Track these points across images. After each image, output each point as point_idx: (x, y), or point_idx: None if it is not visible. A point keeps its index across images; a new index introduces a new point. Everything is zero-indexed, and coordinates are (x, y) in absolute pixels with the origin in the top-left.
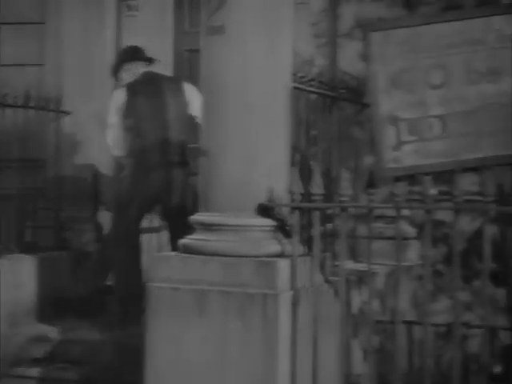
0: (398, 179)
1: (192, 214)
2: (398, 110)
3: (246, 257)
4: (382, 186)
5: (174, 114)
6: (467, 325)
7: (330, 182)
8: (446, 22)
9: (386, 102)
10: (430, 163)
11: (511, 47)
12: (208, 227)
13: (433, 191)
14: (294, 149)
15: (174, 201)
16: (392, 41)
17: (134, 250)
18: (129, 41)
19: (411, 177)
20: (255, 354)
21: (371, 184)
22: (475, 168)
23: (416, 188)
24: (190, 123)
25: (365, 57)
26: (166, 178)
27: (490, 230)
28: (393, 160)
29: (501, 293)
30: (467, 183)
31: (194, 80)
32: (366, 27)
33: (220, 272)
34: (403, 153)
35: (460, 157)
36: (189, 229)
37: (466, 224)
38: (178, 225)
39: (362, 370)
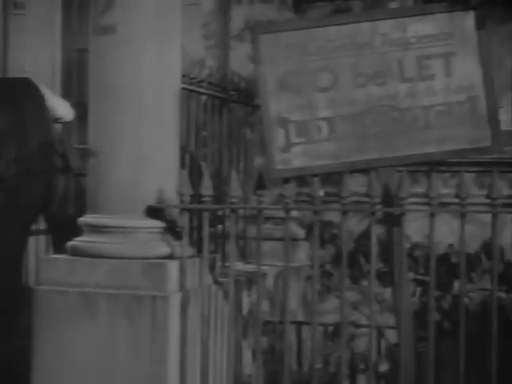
0: (287, 181)
1: (79, 216)
2: (286, 112)
3: (135, 259)
4: (272, 187)
5: (33, 120)
6: (355, 324)
7: (220, 183)
8: (334, 25)
9: (275, 104)
10: (319, 165)
11: (397, 51)
12: (97, 229)
13: (320, 192)
14: (184, 150)
15: (55, 206)
16: (281, 43)
17: (11, 262)
18: (16, 40)
19: (301, 178)
20: (145, 356)
21: (261, 185)
22: (363, 170)
23: (305, 189)
24: (52, 125)
25: (254, 59)
26: (46, 184)
27: (377, 231)
28: (282, 161)
29: (388, 292)
30: (355, 185)
31: (84, 80)
32: (255, 29)
33: (109, 274)
34: (292, 154)
35: (348, 158)
36: (72, 232)
37: (354, 225)
38: (60, 229)
39: (252, 371)
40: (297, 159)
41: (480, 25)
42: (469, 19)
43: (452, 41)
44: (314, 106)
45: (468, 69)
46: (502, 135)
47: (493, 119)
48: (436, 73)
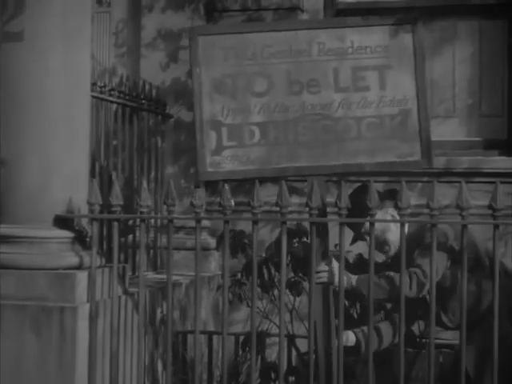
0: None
1: None
2: (220, 114)
3: (43, 269)
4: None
5: None
6: (266, 333)
7: (131, 192)
8: (272, 31)
9: (209, 107)
10: (249, 169)
11: (333, 61)
12: (4, 239)
13: (231, 202)
14: (94, 159)
15: None
16: (218, 46)
17: None
18: None
19: (213, 186)
20: (52, 368)
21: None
22: (275, 178)
23: (216, 199)
24: None
25: (190, 60)
26: None
27: (288, 241)
28: (213, 164)
29: (298, 301)
30: (266, 194)
31: None
32: (193, 30)
33: (15, 285)
34: (223, 157)
35: (278, 165)
36: None
37: (266, 234)
38: None
39: (162, 381)
40: (227, 163)
41: (416, 39)
42: (406, 33)
43: (388, 54)
44: (247, 110)
45: (402, 82)
46: (431, 149)
47: (424, 133)
48: (370, 84)
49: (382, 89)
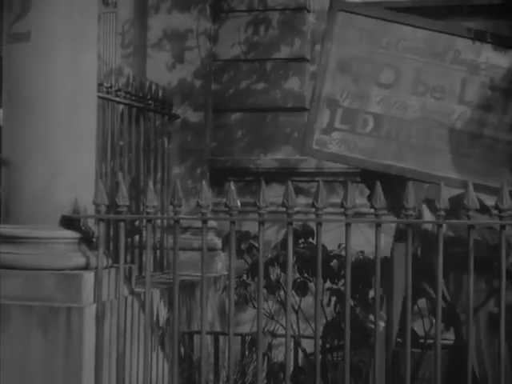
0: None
1: None
2: (339, 95)
3: (49, 270)
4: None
5: None
6: (272, 334)
7: (138, 193)
8: (411, 25)
9: (330, 84)
10: (353, 157)
11: (464, 72)
12: (9, 240)
13: (237, 202)
14: (101, 160)
15: None
16: (355, 26)
17: None
18: None
19: (220, 185)
20: (59, 368)
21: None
22: (375, 173)
23: (223, 199)
24: None
25: (324, 33)
26: None
27: (294, 241)
28: (319, 142)
29: (307, 302)
30: (272, 195)
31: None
32: (334, 4)
33: (22, 286)
34: (331, 139)
35: (383, 160)
36: None
37: (272, 235)
38: None
39: (168, 381)
40: (334, 145)
41: None
42: None
43: None
44: (367, 98)
45: None
46: None
47: None
48: (494, 105)
49: (503, 113)
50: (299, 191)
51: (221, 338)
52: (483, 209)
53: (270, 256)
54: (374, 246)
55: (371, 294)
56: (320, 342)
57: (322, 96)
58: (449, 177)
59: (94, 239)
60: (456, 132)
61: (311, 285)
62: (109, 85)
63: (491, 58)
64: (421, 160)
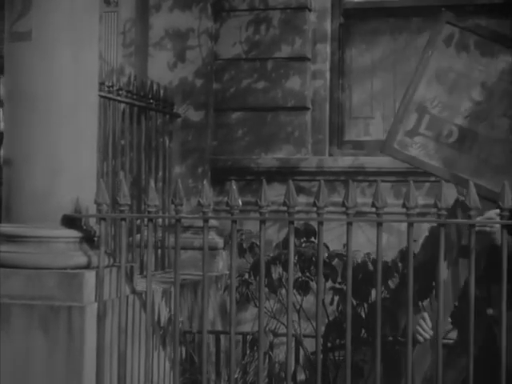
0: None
1: None
2: (429, 102)
3: (51, 269)
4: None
5: None
6: (273, 333)
7: (139, 192)
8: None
9: (424, 90)
10: (431, 164)
11: None
12: (11, 239)
13: (239, 201)
14: (102, 159)
15: None
16: (457, 39)
17: None
18: None
19: (222, 184)
20: (60, 367)
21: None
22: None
23: (224, 198)
24: None
25: (429, 40)
26: None
27: (295, 241)
28: (400, 143)
29: (308, 301)
30: (273, 194)
31: None
32: (442, 15)
33: (23, 285)
34: (413, 142)
35: (459, 173)
36: None
37: (273, 234)
38: None
39: (170, 381)
40: (414, 149)
41: None
42: None
43: None
44: (456, 109)
45: None
46: None
47: None
48: None
49: None
50: (300, 190)
51: (222, 337)
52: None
53: (271, 255)
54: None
55: (373, 293)
56: (322, 341)
57: (413, 99)
58: None
59: (96, 238)
60: None
61: (313, 284)
62: (110, 84)
63: None
64: (495, 180)
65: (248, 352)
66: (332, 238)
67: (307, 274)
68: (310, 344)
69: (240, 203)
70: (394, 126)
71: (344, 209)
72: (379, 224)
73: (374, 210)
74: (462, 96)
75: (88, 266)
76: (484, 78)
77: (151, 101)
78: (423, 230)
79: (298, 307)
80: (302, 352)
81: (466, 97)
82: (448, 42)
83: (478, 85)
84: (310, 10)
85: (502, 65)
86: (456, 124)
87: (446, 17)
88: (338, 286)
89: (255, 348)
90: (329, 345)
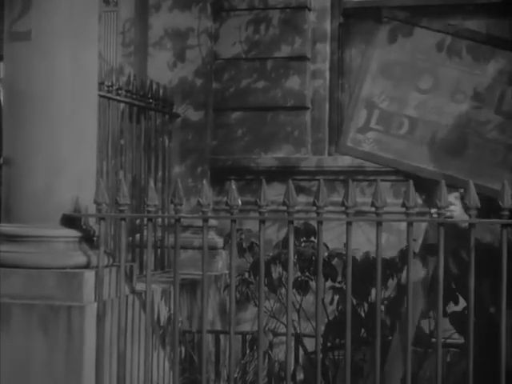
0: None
1: None
2: (377, 97)
3: (50, 269)
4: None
5: None
6: (273, 332)
7: (139, 191)
8: (452, 35)
9: (370, 86)
10: (386, 157)
11: (504, 83)
12: (10, 238)
13: (238, 201)
14: (102, 158)
15: None
16: (397, 32)
17: None
18: None
19: (221, 184)
20: (60, 367)
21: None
22: (406, 174)
23: (223, 197)
24: None
25: (366, 39)
26: None
27: (295, 240)
28: (353, 141)
29: (308, 300)
30: (273, 193)
31: None
32: (382, 13)
33: (23, 284)
34: (365, 138)
35: (414, 163)
36: None
37: (273, 233)
38: None
39: (169, 380)
40: (368, 144)
41: None
42: None
43: None
44: (404, 101)
45: None
46: None
47: None
48: None
49: None
50: (300, 190)
51: (222, 336)
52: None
53: (271, 254)
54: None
55: (373, 293)
56: (321, 340)
57: (360, 97)
58: (480, 184)
59: (95, 238)
60: (490, 142)
61: (313, 283)
62: (110, 83)
63: None
64: (450, 165)
65: (248, 351)
66: (332, 237)
67: (307, 273)
68: (309, 343)
69: (239, 203)
70: (346, 124)
71: (344, 208)
72: (379, 223)
73: (373, 209)
74: (409, 87)
75: (87, 266)
76: (429, 66)
77: (151, 100)
78: (423, 229)
79: (297, 307)
80: (301, 351)
81: (413, 87)
82: (388, 35)
83: (423, 74)
84: (309, 10)
85: (445, 51)
86: (405, 115)
87: (385, 13)
88: (337, 285)
89: (255, 347)
90: (328, 344)
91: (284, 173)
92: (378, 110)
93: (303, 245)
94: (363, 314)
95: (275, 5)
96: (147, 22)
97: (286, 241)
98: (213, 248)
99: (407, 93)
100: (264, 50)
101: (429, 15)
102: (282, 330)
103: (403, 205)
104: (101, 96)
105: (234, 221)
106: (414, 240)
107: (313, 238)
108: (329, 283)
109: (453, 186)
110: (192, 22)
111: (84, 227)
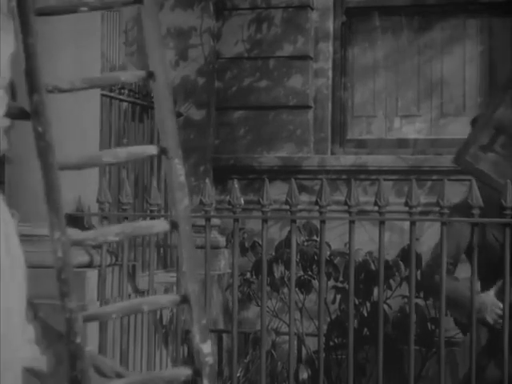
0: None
1: None
2: (510, 121)
3: (53, 268)
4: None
5: None
6: (275, 332)
7: (141, 190)
8: None
9: (503, 110)
10: (497, 180)
11: None
12: None
13: (241, 200)
14: None
15: None
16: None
17: None
18: None
19: (224, 183)
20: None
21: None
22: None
23: (226, 197)
24: None
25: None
26: None
27: (297, 239)
28: (473, 156)
29: (310, 299)
30: (276, 193)
31: None
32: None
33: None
34: (485, 157)
35: None
36: None
37: (275, 232)
38: None
39: None
40: (485, 163)
41: None
42: None
43: None
44: None
45: None
46: None
47: None
48: None
49: None
50: (302, 189)
51: (224, 335)
52: None
53: (273, 254)
54: (378, 244)
55: (375, 292)
56: (324, 339)
57: (493, 116)
58: None
59: None
60: None
61: (315, 282)
62: None
63: None
64: None
65: (250, 351)
66: (334, 236)
67: (309, 272)
68: (312, 343)
69: (242, 202)
70: (470, 138)
71: (346, 207)
72: (381, 222)
73: (376, 208)
74: None
75: (90, 265)
76: None
77: (153, 100)
78: (425, 228)
79: (300, 306)
80: (304, 351)
81: None
82: None
83: None
84: (312, 9)
85: None
86: None
87: None
88: (340, 284)
89: (257, 347)
90: (331, 343)
91: (286, 172)
92: (507, 134)
93: (305, 244)
94: (366, 313)
95: (278, 4)
96: None
97: (288, 240)
98: (215, 247)
99: None
100: (266, 49)
101: None
102: (285, 329)
103: (406, 204)
104: (103, 95)
105: (236, 220)
106: (417, 239)
107: (315, 237)
108: (331, 282)
109: None
110: (194, 21)
111: (87, 226)
